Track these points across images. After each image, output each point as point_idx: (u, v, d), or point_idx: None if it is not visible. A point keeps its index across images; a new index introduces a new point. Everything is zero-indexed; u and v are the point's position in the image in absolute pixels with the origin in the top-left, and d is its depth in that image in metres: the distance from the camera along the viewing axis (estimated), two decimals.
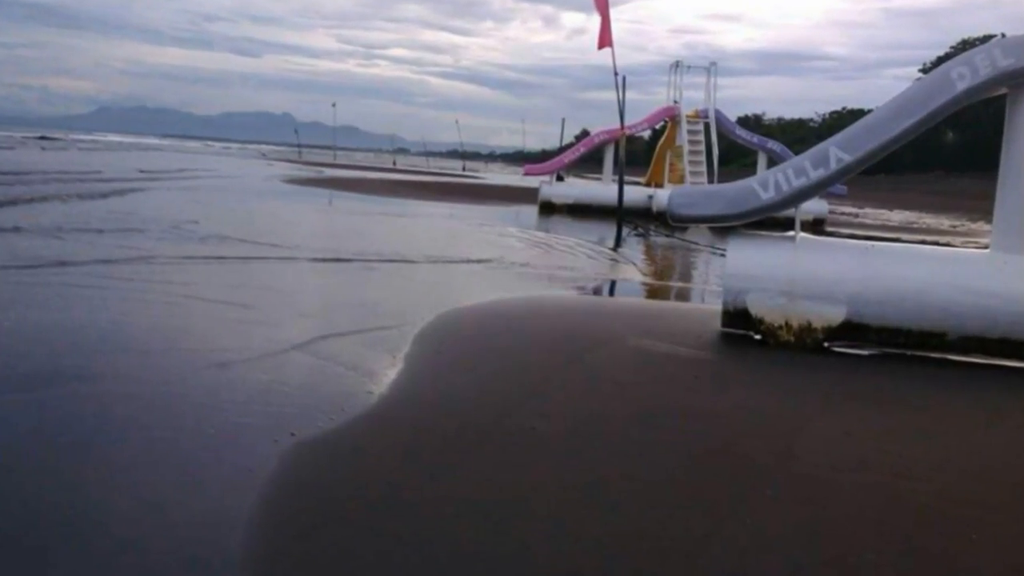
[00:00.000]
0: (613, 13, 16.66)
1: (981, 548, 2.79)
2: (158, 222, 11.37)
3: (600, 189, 23.22)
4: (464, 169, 57.62)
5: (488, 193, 27.83)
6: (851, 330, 5.63)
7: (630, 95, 17.13)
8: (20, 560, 2.43)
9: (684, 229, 15.24)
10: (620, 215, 15.73)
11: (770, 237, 6.07)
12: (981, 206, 22.90)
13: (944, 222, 26.24)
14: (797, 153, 9.04)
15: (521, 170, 28.67)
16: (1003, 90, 5.72)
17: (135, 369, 4.42)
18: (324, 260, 9.30)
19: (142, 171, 26.14)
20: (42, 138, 59.81)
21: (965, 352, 5.60)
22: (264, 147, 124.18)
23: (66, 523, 2.65)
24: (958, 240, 18.57)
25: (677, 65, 24.55)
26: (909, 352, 5.65)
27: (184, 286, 6.80)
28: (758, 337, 5.81)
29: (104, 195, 15.62)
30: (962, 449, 3.86)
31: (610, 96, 17.39)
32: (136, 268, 7.57)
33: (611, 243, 14.14)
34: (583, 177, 42.33)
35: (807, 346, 5.65)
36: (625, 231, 15.45)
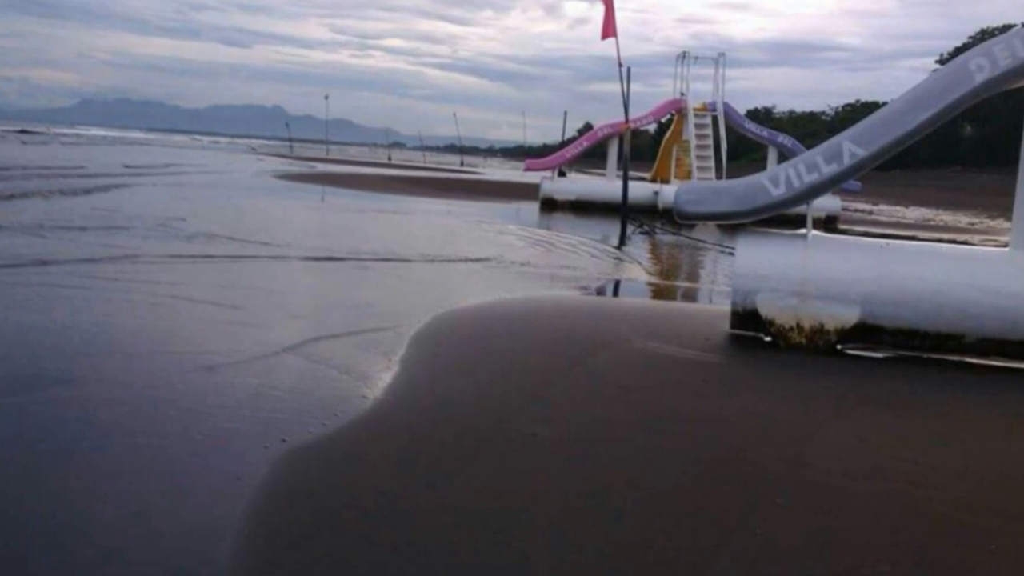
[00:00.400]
0: (617, 2, 16.67)
1: (1000, 559, 2.79)
2: (143, 219, 11.38)
3: (604, 185, 23.24)
4: (462, 164, 57.66)
5: (487, 189, 27.86)
6: (865, 332, 5.63)
7: (635, 87, 17.15)
8: (0, 571, 2.44)
9: (691, 227, 15.26)
10: (624, 212, 15.73)
11: (781, 235, 6.08)
12: (1000, 203, 22.91)
13: (962, 219, 26.26)
14: (809, 148, 9.04)
15: (521, 165, 28.70)
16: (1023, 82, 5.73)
17: (119, 373, 4.42)
18: (316, 259, 9.30)
19: (127, 166, 26.18)
20: (22, 132, 59.82)
21: (984, 355, 5.60)
22: (254, 141, 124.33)
23: (47, 533, 2.65)
24: (976, 238, 18.58)
25: (684, 56, 24.55)
26: (925, 355, 5.66)
27: (170, 286, 6.80)
28: (768, 339, 5.81)
29: (87, 191, 15.64)
30: (981, 456, 3.86)
31: (614, 88, 17.40)
32: (120, 267, 7.57)
33: (615, 241, 14.15)
34: (586, 172, 42.31)
35: (819, 348, 5.66)
36: (630, 229, 15.45)
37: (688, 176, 22.74)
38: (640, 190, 20.79)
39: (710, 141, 23.40)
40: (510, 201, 23.25)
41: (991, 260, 5.91)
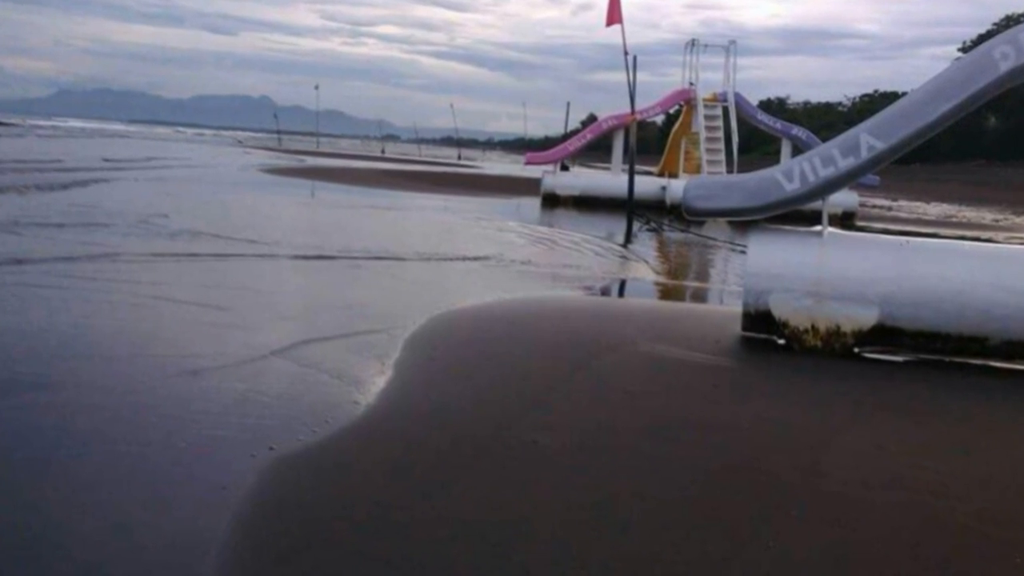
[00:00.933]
0: None
1: None
2: (124, 216, 11.38)
3: (608, 180, 23.24)
4: (459, 158, 57.69)
5: (486, 184, 27.87)
6: (884, 334, 5.63)
7: (641, 77, 17.16)
8: None
9: (701, 223, 15.25)
10: (631, 208, 15.74)
11: (795, 232, 6.08)
12: None
13: (986, 216, 26.27)
14: (824, 140, 9.04)
15: (522, 159, 28.72)
16: None
17: (98, 377, 4.42)
18: (306, 258, 9.31)
19: (107, 160, 26.20)
20: None
21: (1009, 358, 5.60)
22: (240, 134, 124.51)
23: (23, 546, 2.65)
24: (1001, 235, 18.58)
25: (693, 44, 24.56)
26: (947, 358, 5.66)
27: (153, 286, 6.80)
28: (782, 342, 5.81)
29: (65, 186, 15.64)
30: (1005, 465, 3.86)
31: (619, 78, 17.43)
32: (100, 266, 7.58)
33: (621, 239, 14.16)
34: (590, 167, 42.35)
35: (835, 352, 5.66)
36: (636, 226, 15.47)
37: (697, 170, 22.75)
38: (647, 185, 20.81)
39: (720, 133, 23.40)
40: (510, 197, 23.26)
41: (1017, 259, 5.91)
